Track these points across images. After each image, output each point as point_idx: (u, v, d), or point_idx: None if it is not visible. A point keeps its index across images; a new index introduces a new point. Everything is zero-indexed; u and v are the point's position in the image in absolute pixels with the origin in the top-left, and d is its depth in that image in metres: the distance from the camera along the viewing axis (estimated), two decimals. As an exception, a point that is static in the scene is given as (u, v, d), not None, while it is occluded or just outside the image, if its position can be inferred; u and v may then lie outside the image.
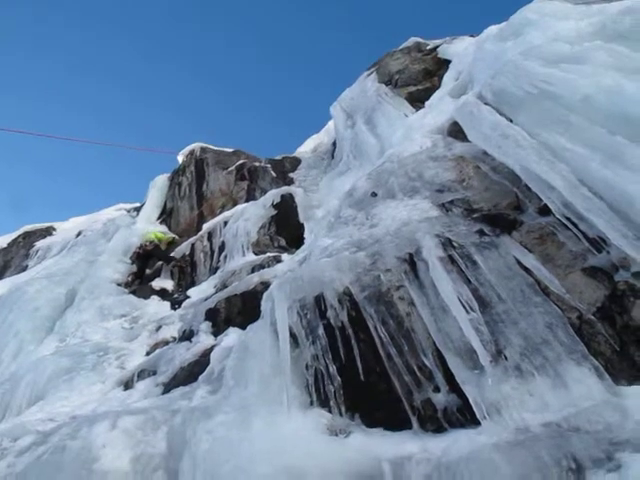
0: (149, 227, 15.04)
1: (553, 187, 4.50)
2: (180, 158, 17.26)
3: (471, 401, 3.72)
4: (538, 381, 3.56)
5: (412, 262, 4.65)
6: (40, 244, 18.74)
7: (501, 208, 5.06)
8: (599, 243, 4.13)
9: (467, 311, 4.12)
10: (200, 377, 6.01)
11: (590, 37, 6.13)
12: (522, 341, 3.81)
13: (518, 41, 7.28)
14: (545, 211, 4.69)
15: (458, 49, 11.85)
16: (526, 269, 4.33)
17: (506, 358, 3.79)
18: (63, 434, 5.04)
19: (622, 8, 5.75)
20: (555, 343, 3.70)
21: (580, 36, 6.21)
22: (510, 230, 4.77)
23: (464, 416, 3.79)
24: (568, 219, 4.33)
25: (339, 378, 4.42)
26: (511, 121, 5.63)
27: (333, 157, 14.95)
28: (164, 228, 14.97)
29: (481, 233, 4.76)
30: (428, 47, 13.54)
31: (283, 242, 10.75)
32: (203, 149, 17.03)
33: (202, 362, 6.40)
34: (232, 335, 6.69)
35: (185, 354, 6.89)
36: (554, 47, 5.95)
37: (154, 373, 6.99)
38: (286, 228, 11.09)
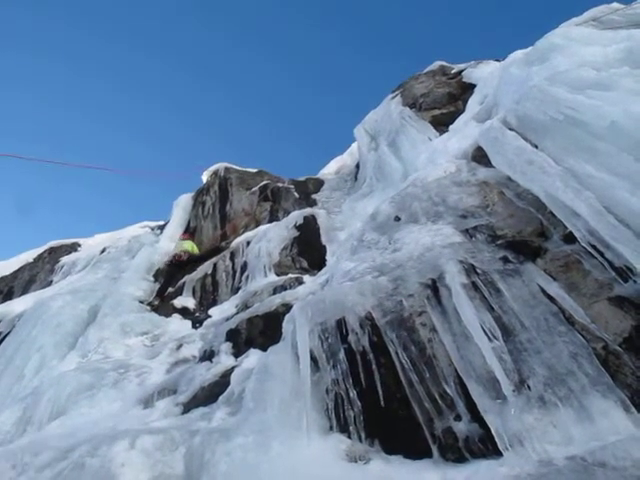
0: (171, 245, 15.20)
1: (578, 214, 4.46)
2: (204, 177, 17.49)
3: (493, 431, 3.65)
4: (562, 413, 3.49)
5: (435, 288, 4.63)
6: (65, 260, 19.02)
7: (525, 235, 5.01)
8: (626, 272, 4.07)
9: (490, 339, 4.07)
10: (220, 398, 5.99)
11: (617, 63, 6.12)
12: (546, 371, 3.75)
13: (544, 66, 7.27)
14: (570, 239, 4.64)
15: (483, 73, 11.89)
16: (550, 297, 4.27)
17: (529, 388, 3.73)
18: (83, 451, 5.04)
19: (650, 35, 5.73)
20: (580, 374, 3.63)
21: (607, 62, 6.21)
22: (534, 257, 4.72)
23: (486, 446, 3.72)
24: (594, 247, 4.27)
25: (359, 403, 4.39)
26: (536, 147, 5.60)
27: (356, 179, 15.02)
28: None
29: (505, 260, 4.72)
30: (453, 71, 13.64)
31: (305, 264, 10.75)
32: (227, 169, 17.24)
33: (222, 383, 6.38)
34: (253, 357, 6.69)
35: (205, 374, 6.89)
36: (580, 73, 5.93)
37: (174, 392, 6.99)
38: (308, 250, 11.10)
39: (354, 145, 17.61)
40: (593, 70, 5.90)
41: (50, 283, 17.49)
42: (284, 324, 5.52)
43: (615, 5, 9.11)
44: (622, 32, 7.51)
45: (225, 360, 7.20)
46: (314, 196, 15.31)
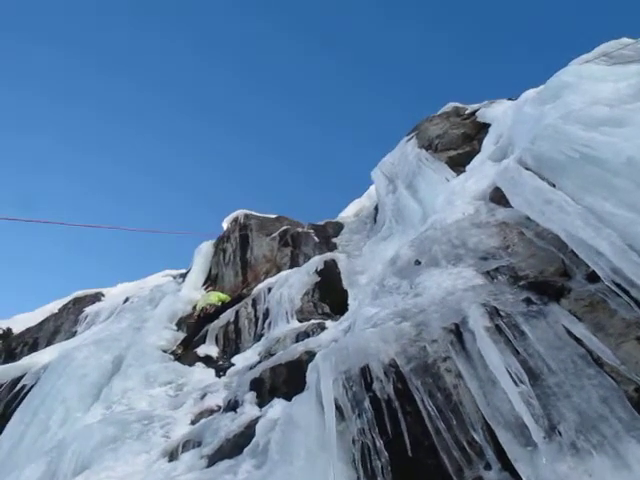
0: (193, 293, 15.30)
1: (600, 253, 4.42)
2: (225, 225, 17.71)
3: (525, 480, 3.55)
4: (597, 460, 3.37)
5: (458, 332, 4.58)
6: (89, 310, 19.24)
7: (548, 275, 4.96)
8: (653, 311, 4.00)
9: (516, 383, 3.99)
10: (245, 450, 5.92)
11: (630, 99, 6.16)
12: (576, 416, 3.65)
13: (557, 104, 7.32)
14: (594, 277, 4.58)
15: (497, 113, 11.99)
16: (576, 339, 4.19)
17: (560, 434, 3.62)
18: (109, 509, 5.01)
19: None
20: (612, 419, 3.52)
21: (619, 98, 6.25)
22: (558, 298, 4.65)
23: (518, 496, 3.61)
24: (618, 286, 4.22)
25: (386, 453, 4.28)
26: (554, 186, 5.61)
27: (375, 221, 15.07)
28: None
29: (528, 301, 4.66)
30: (467, 111, 13.77)
31: (327, 309, 10.73)
32: (247, 216, 17.45)
33: (247, 434, 6.32)
34: (277, 406, 6.62)
35: (230, 425, 6.83)
36: (593, 110, 5.97)
37: (199, 444, 6.93)
38: (330, 294, 11.10)
39: (372, 187, 17.74)
40: (606, 107, 5.94)
41: (74, 334, 17.66)
42: (308, 373, 5.47)
43: (625, 40, 9.21)
44: (632, 67, 7.58)
45: (249, 410, 7.12)
46: (334, 240, 15.38)
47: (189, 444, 7.09)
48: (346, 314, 9.27)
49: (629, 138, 5.03)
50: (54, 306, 21.11)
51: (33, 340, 19.03)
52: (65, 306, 20.68)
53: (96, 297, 20.75)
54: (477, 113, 13.16)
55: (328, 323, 9.45)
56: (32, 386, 12.35)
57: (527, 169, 6.21)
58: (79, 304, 20.31)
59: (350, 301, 10.37)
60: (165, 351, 12.36)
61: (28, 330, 19.90)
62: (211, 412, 8.28)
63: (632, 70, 7.36)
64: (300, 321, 10.31)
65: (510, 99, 12.78)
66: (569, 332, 4.26)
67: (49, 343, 17.79)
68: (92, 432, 8.47)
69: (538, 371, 4.04)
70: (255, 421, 6.51)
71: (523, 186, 6.04)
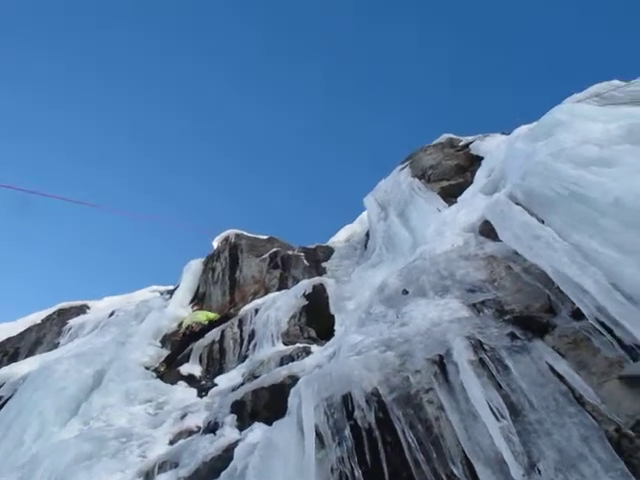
0: (180, 310, 15.21)
1: (586, 290, 4.46)
2: (215, 244, 17.70)
3: (503, 518, 3.52)
4: (575, 501, 3.36)
5: (442, 364, 4.58)
6: (73, 322, 19.03)
7: (533, 310, 4.98)
8: (635, 351, 4.01)
9: (498, 418, 3.98)
10: (222, 474, 5.81)
11: (619, 140, 6.26)
12: (556, 454, 3.64)
13: (548, 142, 7.44)
14: (579, 315, 4.60)
15: (490, 146, 12.14)
16: (559, 376, 4.19)
17: (539, 472, 3.61)
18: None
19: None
20: (592, 458, 3.51)
21: (609, 139, 6.35)
22: (542, 334, 4.67)
23: (496, 533, 3.58)
24: (602, 324, 4.24)
25: (365, 483, 4.25)
26: (542, 222, 5.66)
27: (366, 247, 15.12)
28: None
29: (513, 336, 4.67)
30: (461, 143, 13.93)
31: (313, 333, 10.69)
32: (238, 235, 17.45)
33: (225, 457, 6.22)
34: (257, 431, 6.52)
35: (208, 448, 6.73)
36: (584, 150, 6.06)
37: (176, 465, 6.81)
38: (317, 319, 11.07)
39: (364, 214, 17.83)
40: (596, 147, 6.03)
41: (57, 345, 17.44)
42: (290, 398, 5.43)
43: (616, 82, 9.42)
44: (623, 109, 7.72)
45: (229, 433, 7.02)
46: (324, 264, 15.40)
47: (166, 465, 6.97)
48: (332, 340, 9.23)
49: (617, 178, 5.10)
50: (37, 316, 20.85)
51: (14, 350, 18.76)
52: (49, 317, 20.44)
53: (81, 309, 20.55)
54: (471, 145, 13.32)
55: (313, 347, 9.40)
56: (9, 398, 12.14)
57: (517, 204, 6.27)
58: (63, 315, 20.09)
59: (337, 326, 10.34)
60: (148, 368, 12.21)
61: (9, 340, 19.62)
62: (190, 433, 8.16)
63: (623, 112, 7.51)
64: (285, 344, 10.25)
65: (504, 133, 12.96)
66: (552, 369, 4.28)
67: (30, 354, 17.55)
68: (67, 448, 8.31)
69: (520, 407, 4.04)
70: (234, 444, 6.41)
71: (512, 220, 6.10)
